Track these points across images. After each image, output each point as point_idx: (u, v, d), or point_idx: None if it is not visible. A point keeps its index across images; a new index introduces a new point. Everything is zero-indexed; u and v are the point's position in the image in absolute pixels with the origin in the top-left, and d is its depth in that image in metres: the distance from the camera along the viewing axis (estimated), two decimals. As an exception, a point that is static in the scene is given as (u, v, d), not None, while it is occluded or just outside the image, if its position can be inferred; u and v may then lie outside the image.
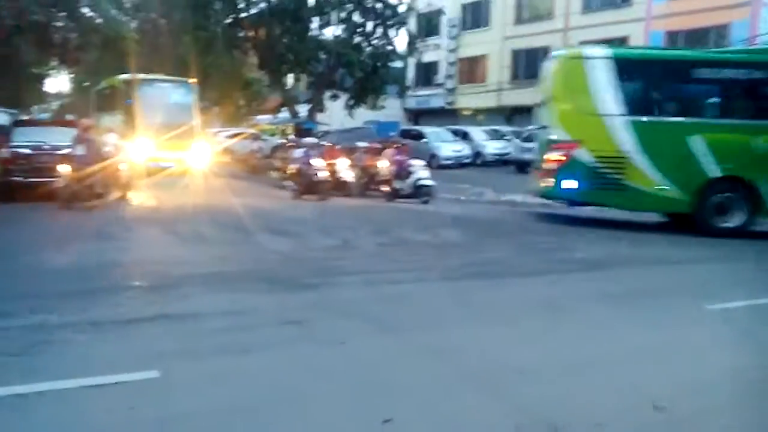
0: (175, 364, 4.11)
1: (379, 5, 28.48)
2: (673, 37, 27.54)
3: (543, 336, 5.08)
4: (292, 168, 15.74)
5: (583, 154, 11.03)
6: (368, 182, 16.26)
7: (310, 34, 28.49)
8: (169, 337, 4.70)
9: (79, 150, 11.90)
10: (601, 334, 5.22)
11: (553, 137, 11.31)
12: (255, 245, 8.91)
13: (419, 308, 5.86)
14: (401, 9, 28.92)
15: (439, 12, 35.86)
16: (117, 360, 4.15)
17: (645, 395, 3.87)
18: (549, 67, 12.03)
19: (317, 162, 15.24)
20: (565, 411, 3.65)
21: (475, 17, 36.50)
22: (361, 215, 12.53)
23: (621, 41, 29.37)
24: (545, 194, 12.17)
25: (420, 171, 15.26)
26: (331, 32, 29.23)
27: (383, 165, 15.51)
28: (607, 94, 11.00)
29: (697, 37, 26.75)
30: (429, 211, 13.47)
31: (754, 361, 4.67)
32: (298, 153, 15.93)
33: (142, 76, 19.33)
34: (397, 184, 15.03)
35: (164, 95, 19.05)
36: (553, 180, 11.35)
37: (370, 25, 28.91)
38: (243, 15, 29.33)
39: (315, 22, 28.59)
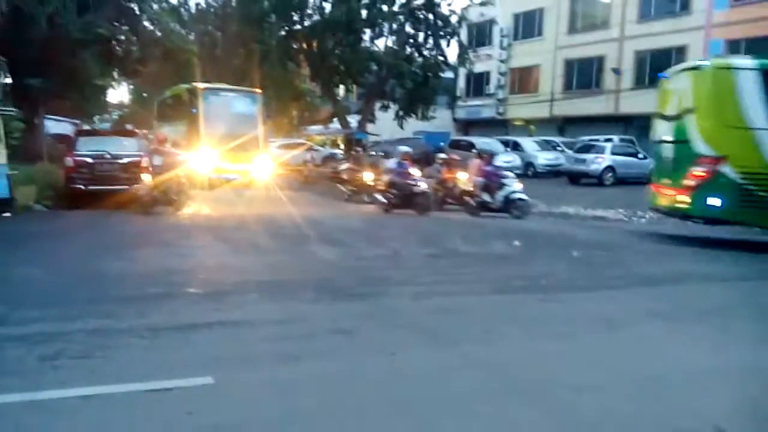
0: (230, 370, 4.18)
1: (431, 16, 28.53)
2: (733, 46, 26.68)
3: (599, 353, 4.96)
4: (382, 180, 15.08)
5: (729, 170, 10.24)
6: (445, 195, 15.44)
7: (362, 45, 28.76)
8: (224, 344, 4.80)
9: (157, 160, 12.72)
10: (660, 352, 5.05)
11: (697, 151, 10.51)
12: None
13: (472, 320, 5.81)
14: (453, 19, 28.88)
15: (491, 22, 35.73)
16: (174, 365, 4.25)
17: (705, 418, 3.74)
18: (688, 78, 11.14)
19: (415, 172, 14.55)
20: (621, 431, 3.57)
21: (527, 27, 36.22)
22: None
23: (678, 51, 28.69)
24: (681, 212, 11.25)
25: (513, 184, 14.62)
26: (383, 43, 29.45)
27: (465, 177, 14.87)
28: (757, 106, 10.22)
29: (758, 46, 25.85)
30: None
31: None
32: (390, 164, 15.30)
33: (207, 85, 19.21)
34: (485, 197, 14.30)
35: (229, 105, 18.86)
36: (693, 197, 10.60)
37: (421, 36, 28.99)
38: (297, 27, 29.81)
39: (367, 34, 28.82)
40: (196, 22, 34.94)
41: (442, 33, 28.88)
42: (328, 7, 28.53)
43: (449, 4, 30.77)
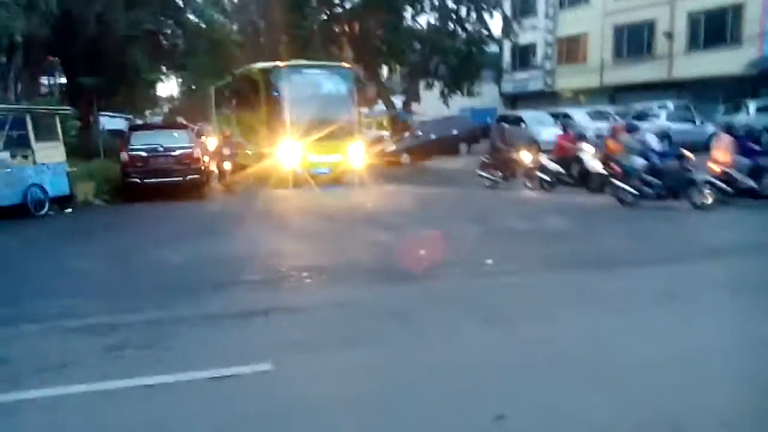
0: (288, 356, 4.22)
1: (472, -10, 28.00)
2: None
3: (661, 328, 4.81)
4: (540, 160, 14.13)
5: None
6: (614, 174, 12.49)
7: (403, 24, 28.48)
8: (283, 329, 4.85)
9: (226, 150, 14.47)
10: (724, 326, 4.86)
11: None
12: None
13: (529, 299, 5.71)
14: (495, -5, 28.27)
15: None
16: (233, 353, 4.32)
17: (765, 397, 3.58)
18: None
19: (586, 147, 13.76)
20: (687, 409, 3.44)
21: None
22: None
23: (735, 9, 27.40)
24: None
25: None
26: (425, 20, 29.09)
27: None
28: None
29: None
30: None
31: None
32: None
33: (290, 62, 16.74)
34: (748, 182, 11.14)
35: (318, 85, 16.28)
36: None
37: (463, 10, 28.51)
38: (338, 10, 29.74)
39: (408, 11, 28.52)
40: (239, 11, 35.21)
41: (484, 5, 28.33)
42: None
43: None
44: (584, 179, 13.55)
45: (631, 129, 12.63)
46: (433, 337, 4.63)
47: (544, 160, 14.30)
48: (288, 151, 15.17)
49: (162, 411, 3.52)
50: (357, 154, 16.24)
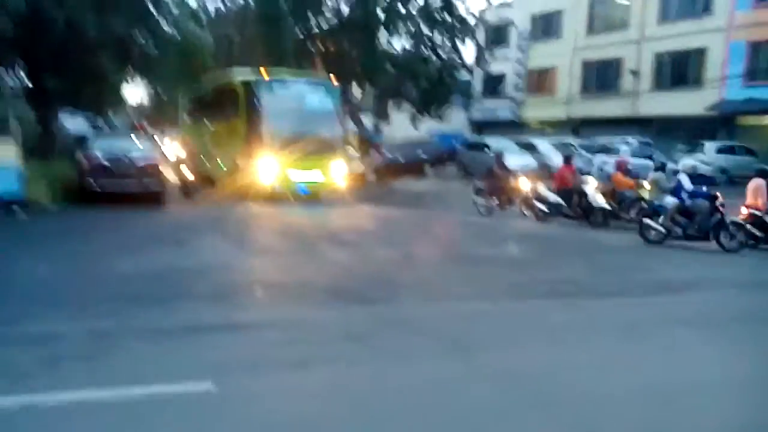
0: (230, 376, 4.09)
1: (448, 18, 28.36)
2: (756, 48, 26.26)
3: (622, 362, 4.82)
4: (535, 189, 13.89)
5: None
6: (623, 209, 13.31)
7: (378, 47, 28.66)
8: (228, 348, 4.72)
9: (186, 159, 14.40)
10: (685, 361, 4.89)
11: None
12: None
13: (489, 328, 5.68)
14: (470, 21, 28.68)
15: (508, 24, 35.46)
16: (175, 370, 4.18)
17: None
18: None
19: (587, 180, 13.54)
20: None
21: (545, 28, 35.89)
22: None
23: (698, 53, 28.27)
24: None
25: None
26: (400, 45, 29.32)
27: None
28: None
29: (782, 47, 25.43)
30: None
31: None
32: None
33: (270, 73, 15.57)
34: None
35: (301, 98, 15.52)
36: None
37: (438, 38, 28.83)
38: (314, 30, 29.79)
39: (384, 35, 28.72)
40: (215, 24, 35.07)
41: (458, 34, 28.69)
42: (345, 9, 28.49)
43: (467, 7, 30.38)
44: (586, 213, 13.34)
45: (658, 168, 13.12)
46: (386, 362, 4.56)
47: (543, 189, 14.05)
48: (266, 166, 14.59)
49: (86, 430, 3.37)
50: (339, 173, 15.68)
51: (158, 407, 3.60)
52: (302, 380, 4.14)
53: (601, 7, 33.25)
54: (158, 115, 46.10)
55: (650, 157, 23.85)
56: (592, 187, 13.40)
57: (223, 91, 17.31)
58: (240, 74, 16.72)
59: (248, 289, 6.57)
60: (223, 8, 35.52)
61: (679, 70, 29.03)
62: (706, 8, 28.20)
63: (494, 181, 14.94)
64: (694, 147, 24.80)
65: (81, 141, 15.23)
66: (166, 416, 3.52)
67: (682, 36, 28.40)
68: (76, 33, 16.70)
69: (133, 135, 15.19)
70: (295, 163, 14.63)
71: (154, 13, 20.21)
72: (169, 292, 6.20)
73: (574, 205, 13.63)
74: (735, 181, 22.06)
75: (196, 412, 3.59)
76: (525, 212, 14.29)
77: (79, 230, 10.61)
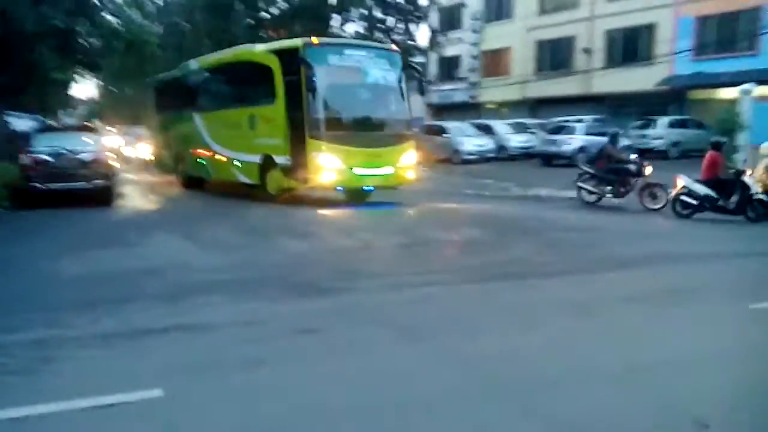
0: (181, 381, 3.90)
1: (400, 0, 28.18)
2: (702, 22, 26.74)
3: (573, 342, 4.78)
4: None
5: None
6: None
7: (330, 31, 28.31)
8: (179, 351, 4.51)
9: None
10: (636, 339, 4.88)
11: None
12: None
13: (444, 312, 5.59)
14: (423, 3, 28.57)
15: (461, 5, 35.42)
16: (122, 378, 3.95)
17: (685, 410, 3.56)
18: None
19: None
20: (597, 428, 3.37)
21: (497, 9, 35.94)
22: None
23: (648, 29, 28.67)
24: None
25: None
26: (353, 29, 29.02)
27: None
28: None
29: (729, 22, 25.93)
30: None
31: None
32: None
33: (318, 39, 12.49)
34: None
35: (363, 72, 12.49)
36: None
37: (391, 21, 28.64)
38: (264, 16, 29.27)
39: (336, 20, 28.39)
40: (162, 13, 34.14)
41: (411, 17, 28.57)
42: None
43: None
44: (741, 206, 11.53)
45: None
46: (344, 355, 4.42)
47: (687, 180, 11.94)
48: (324, 161, 11.80)
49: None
50: (410, 164, 12.91)
51: (105, 419, 3.40)
52: (256, 380, 3.96)
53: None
54: (113, 111, 44.92)
55: (605, 134, 24.18)
56: (749, 176, 11.72)
57: (234, 70, 14.75)
58: (266, 45, 14.13)
59: (196, 286, 6.32)
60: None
61: (630, 46, 29.42)
62: (655, -18, 28.59)
63: (608, 166, 13.24)
64: (647, 122, 25.23)
65: (25, 140, 14.59)
66: (112, 429, 3.31)
67: (632, 12, 28.75)
68: (13, 27, 15.99)
69: (81, 132, 14.55)
70: (360, 155, 12.01)
71: (97, 3, 19.52)
72: (118, 294, 5.93)
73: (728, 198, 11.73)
74: (688, 155, 22.54)
75: (145, 422, 3.39)
76: (646, 203, 12.65)
77: (21, 232, 10.17)
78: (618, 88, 28.95)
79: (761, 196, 11.42)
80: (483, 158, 25.23)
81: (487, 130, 27.58)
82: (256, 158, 13.36)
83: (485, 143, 26.24)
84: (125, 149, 27.86)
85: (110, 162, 13.15)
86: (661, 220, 11.92)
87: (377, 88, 12.75)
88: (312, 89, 11.67)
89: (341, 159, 11.85)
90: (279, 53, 12.72)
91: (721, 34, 26.12)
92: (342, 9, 27.84)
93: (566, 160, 23.14)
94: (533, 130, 27.55)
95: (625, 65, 28.98)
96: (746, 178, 11.63)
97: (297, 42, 12.42)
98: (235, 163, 14.39)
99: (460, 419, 3.44)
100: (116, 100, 46.20)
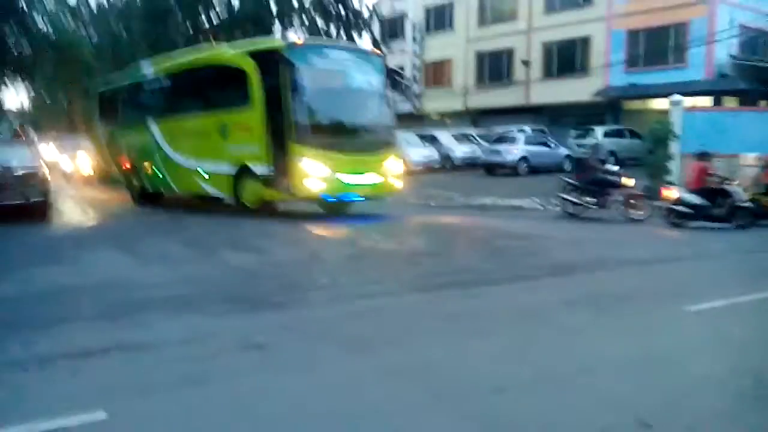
0: (125, 402, 3.76)
1: (342, 10, 28.23)
2: (634, 36, 27.82)
3: (519, 348, 4.86)
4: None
5: None
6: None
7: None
8: (121, 371, 4.35)
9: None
10: (579, 343, 5.01)
11: None
12: None
13: (392, 323, 5.59)
14: (365, 13, 28.70)
15: (403, 16, 35.77)
16: (61, 401, 3.78)
17: (628, 411, 3.66)
18: None
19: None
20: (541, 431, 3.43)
21: (438, 20, 36.48)
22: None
23: (583, 41, 29.62)
24: None
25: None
26: (295, 38, 28.86)
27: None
28: None
29: (657, 36, 27.05)
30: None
31: (742, 366, 4.50)
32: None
33: (300, 40, 12.68)
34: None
35: (346, 74, 12.08)
36: None
37: (333, 30, 28.63)
38: (205, 25, 28.82)
39: (277, 28, 28.20)
40: (98, 20, 33.19)
41: (354, 27, 28.63)
42: (236, 2, 27.74)
43: (360, -1, 30.35)
44: (730, 215, 12.19)
45: None
46: (290, 370, 4.35)
47: (681, 190, 12.74)
48: (309, 168, 11.14)
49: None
50: (396, 172, 12.42)
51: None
52: (200, 399, 3.85)
53: (490, -2, 34.25)
54: (48, 121, 43.28)
55: (547, 145, 24.88)
56: (735, 185, 12.53)
57: (200, 72, 13.74)
58: (239, 46, 13.31)
59: (139, 302, 6.13)
60: (106, 3, 33.68)
61: (567, 58, 30.35)
62: (587, -1, 29.63)
63: (590, 177, 13.47)
64: (584, 132, 26.03)
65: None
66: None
67: (567, 26, 29.69)
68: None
69: (14, 144, 13.87)
70: (346, 162, 11.49)
71: (26, 9, 18.82)
72: (54, 314, 5.69)
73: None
74: (624, 164, 23.32)
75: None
76: (630, 214, 12.96)
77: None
78: (556, 98, 29.80)
79: (747, 204, 12.13)
80: (429, 168, 25.48)
81: (432, 140, 27.88)
82: (229, 168, 12.59)
83: (431, 153, 26.51)
84: (62, 162, 26.45)
85: (46, 175, 12.59)
86: (658, 230, 12.21)
87: (362, 93, 12.29)
88: (294, 92, 11.02)
89: (327, 166, 11.21)
90: (255, 54, 11.97)
91: (651, 48, 27.24)
92: (283, 17, 27.70)
93: (509, 170, 23.64)
94: (476, 141, 28.03)
95: (561, 77, 29.86)
96: (732, 187, 12.32)
97: (277, 42, 12.09)
98: (203, 174, 13.53)
99: (405, 429, 3.43)
100: (50, 110, 44.58)
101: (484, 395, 3.90)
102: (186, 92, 14.65)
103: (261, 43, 13.20)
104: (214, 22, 28.56)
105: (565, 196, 13.71)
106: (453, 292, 6.72)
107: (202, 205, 14.86)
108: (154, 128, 15.15)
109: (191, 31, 28.44)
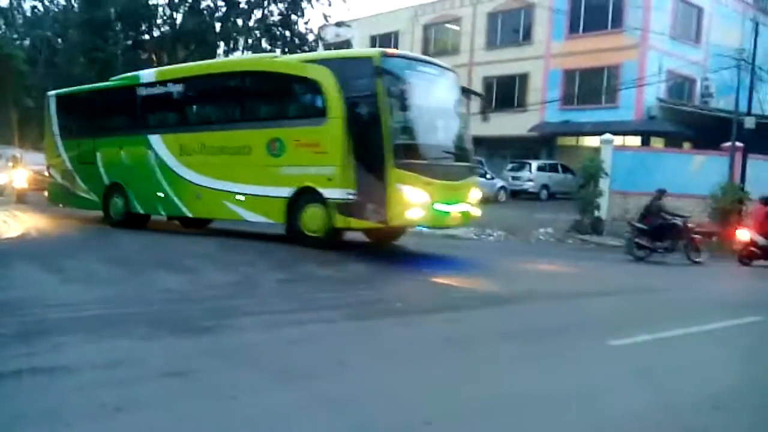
0: (35, 430, 3.55)
1: (287, 33, 28.29)
2: (570, 75, 28.90)
3: (447, 380, 4.86)
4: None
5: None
6: None
7: (215, 59, 27.87)
8: (34, 397, 4.12)
9: None
10: (506, 376, 5.06)
11: None
12: None
13: (322, 351, 5.51)
14: (310, 38, 28.84)
15: (347, 43, 36.07)
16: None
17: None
18: None
19: None
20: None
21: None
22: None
23: (522, 78, 30.57)
24: None
25: None
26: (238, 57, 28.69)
27: None
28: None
29: (591, 76, 28.21)
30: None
31: (662, 401, 4.62)
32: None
33: (385, 50, 11.09)
34: None
35: (434, 93, 11.10)
36: None
37: (278, 52, 28.62)
38: (145, 37, 28.32)
39: (221, 47, 27.99)
40: (32, 26, 32.12)
41: (298, 50, 28.71)
42: (179, 17, 27.42)
43: (306, 23, 30.52)
44: None
45: None
46: (212, 399, 4.21)
47: (753, 234, 13.85)
48: (409, 195, 9.91)
49: None
50: (477, 202, 11.43)
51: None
52: (114, 429, 3.69)
53: (434, 31, 34.96)
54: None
55: (484, 176, 25.39)
56: None
57: (242, 82, 12.52)
58: (301, 55, 11.83)
59: (64, 326, 5.85)
60: (41, 8, 32.66)
61: (506, 93, 31.23)
62: (527, 37, 30.66)
63: (657, 222, 13.73)
64: (520, 165, 26.77)
65: None
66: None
67: (507, 62, 30.60)
68: None
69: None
70: (442, 189, 10.43)
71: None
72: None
73: None
74: (556, 198, 24.07)
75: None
76: (693, 257, 13.60)
77: None
78: (494, 131, 30.48)
79: None
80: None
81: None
82: (281, 191, 11.21)
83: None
84: None
85: None
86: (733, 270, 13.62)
87: (450, 112, 11.43)
88: (392, 109, 9.95)
89: (427, 193, 10.07)
90: (334, 63, 10.86)
91: (586, 87, 28.38)
92: (228, 37, 27.53)
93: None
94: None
95: (501, 110, 30.67)
96: None
97: (369, 51, 10.96)
98: (236, 197, 11.98)
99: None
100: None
101: (410, 428, 3.87)
102: (211, 103, 13.72)
103: (342, 52, 12.35)
104: (155, 36, 28.12)
105: (638, 240, 13.74)
106: (382, 321, 6.71)
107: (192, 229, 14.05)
108: (156, 142, 13.45)
109: (131, 44, 27.90)
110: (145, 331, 5.74)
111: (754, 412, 4.60)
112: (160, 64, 28.46)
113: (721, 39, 26.90)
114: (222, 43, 27.69)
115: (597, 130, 22.30)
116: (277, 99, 12.37)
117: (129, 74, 15.42)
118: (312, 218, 10.92)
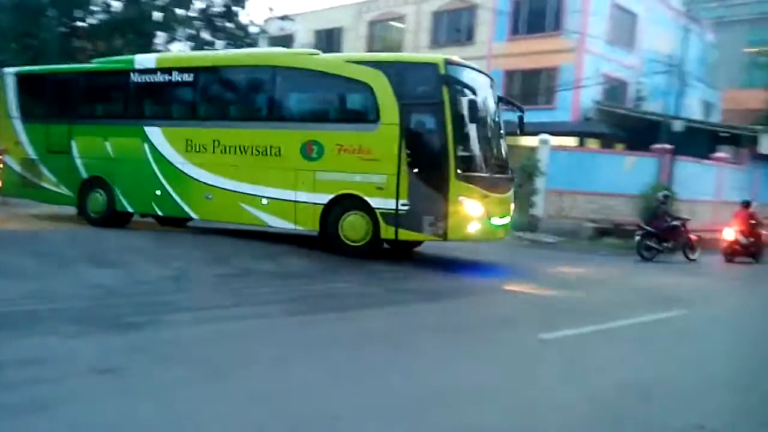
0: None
1: (229, 24, 27.81)
2: (511, 75, 29.47)
3: (376, 374, 4.95)
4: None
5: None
6: None
7: (155, 49, 27.16)
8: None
9: None
10: (437, 370, 5.17)
11: None
12: None
13: (255, 347, 5.51)
14: (252, 30, 28.44)
15: (291, 37, 35.76)
16: None
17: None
18: None
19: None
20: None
21: (328, 44, 36.76)
22: None
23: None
24: None
25: None
26: (178, 49, 28.05)
27: None
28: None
29: (531, 78, 28.85)
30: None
31: (592, 393, 4.79)
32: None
33: (454, 57, 10.73)
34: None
35: (492, 101, 11.19)
36: None
37: (219, 44, 28.12)
38: (80, 24, 27.34)
39: (160, 37, 27.29)
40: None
41: (241, 43, 28.28)
42: (117, 5, 26.58)
43: (248, 15, 30.11)
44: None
45: None
46: (140, 396, 4.15)
47: (737, 234, 15.66)
48: (470, 208, 9.87)
49: None
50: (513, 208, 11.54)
51: None
52: (37, 427, 3.60)
53: (378, 28, 35.05)
54: None
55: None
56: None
57: (271, 77, 11.61)
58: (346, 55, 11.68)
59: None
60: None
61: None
62: (469, 37, 31.06)
63: (663, 225, 14.99)
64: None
65: None
66: None
67: (450, 61, 30.88)
68: None
69: None
70: (496, 201, 10.44)
71: None
72: None
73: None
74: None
75: None
76: (688, 255, 14.87)
77: None
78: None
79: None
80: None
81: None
82: (316, 197, 10.75)
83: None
84: None
85: None
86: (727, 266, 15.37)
87: (497, 122, 11.33)
88: (455, 118, 9.78)
89: (484, 207, 10.00)
90: (387, 66, 10.50)
91: (525, 88, 28.98)
92: (167, 27, 26.86)
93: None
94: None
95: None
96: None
97: (431, 57, 10.80)
98: (258, 200, 11.32)
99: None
100: None
101: (320, 424, 3.87)
102: (233, 97, 12.75)
103: (398, 56, 12.30)
104: (91, 23, 27.18)
105: (648, 243, 14.90)
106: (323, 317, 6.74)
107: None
108: (155, 134, 12.39)
109: (66, 32, 26.90)
110: (74, 327, 5.59)
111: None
112: (96, 53, 27.59)
113: (654, 45, 27.96)
114: (160, 33, 26.97)
115: (535, 130, 22.80)
116: (316, 99, 11.85)
117: (120, 57, 14.28)
118: (353, 227, 10.53)
